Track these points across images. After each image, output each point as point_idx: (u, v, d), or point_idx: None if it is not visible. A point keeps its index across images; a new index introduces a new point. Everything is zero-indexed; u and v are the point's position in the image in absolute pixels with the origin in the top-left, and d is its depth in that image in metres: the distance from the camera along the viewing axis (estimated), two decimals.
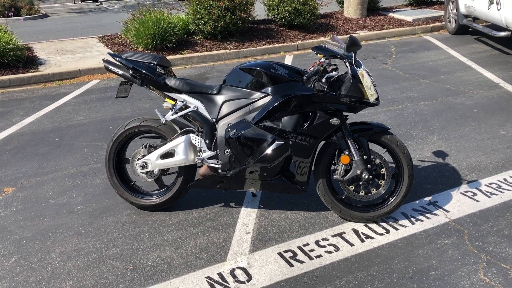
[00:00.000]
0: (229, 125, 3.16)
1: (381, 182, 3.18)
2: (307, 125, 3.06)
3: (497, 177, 3.78)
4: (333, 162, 3.23)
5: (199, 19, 8.75)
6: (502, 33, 7.60)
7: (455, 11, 9.50)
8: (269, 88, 3.10)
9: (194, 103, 3.26)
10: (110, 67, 3.39)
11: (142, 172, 3.40)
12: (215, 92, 3.25)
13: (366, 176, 3.12)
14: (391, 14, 11.28)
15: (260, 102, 3.12)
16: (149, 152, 3.37)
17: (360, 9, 10.95)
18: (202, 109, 3.25)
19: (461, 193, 3.58)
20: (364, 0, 10.94)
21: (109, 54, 3.55)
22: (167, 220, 3.39)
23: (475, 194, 3.54)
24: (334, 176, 3.20)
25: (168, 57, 7.81)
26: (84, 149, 4.68)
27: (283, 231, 3.20)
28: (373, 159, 3.15)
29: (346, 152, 3.13)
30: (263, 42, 9.04)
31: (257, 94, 3.13)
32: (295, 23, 9.56)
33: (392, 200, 3.20)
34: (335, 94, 3.02)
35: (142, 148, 3.40)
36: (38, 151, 4.67)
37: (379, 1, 11.85)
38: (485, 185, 3.67)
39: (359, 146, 3.14)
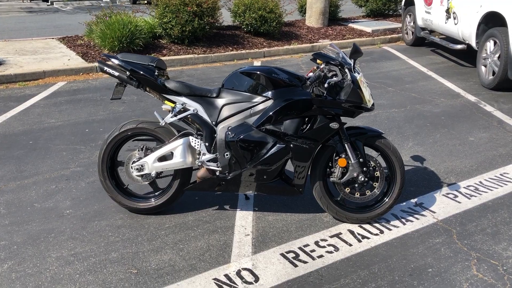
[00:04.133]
0: (229, 128, 3.19)
1: (375, 184, 3.31)
2: (308, 129, 3.14)
3: (473, 180, 4.02)
4: (329, 165, 3.33)
5: (166, 23, 8.68)
6: (459, 46, 8.05)
7: (412, 23, 9.97)
8: (270, 92, 3.16)
9: (193, 105, 3.26)
10: (105, 68, 3.33)
11: (138, 175, 3.35)
12: (214, 95, 3.27)
13: (362, 179, 3.24)
14: (350, 25, 11.66)
15: (261, 106, 3.17)
16: (145, 155, 3.33)
17: (321, 19, 11.25)
18: (202, 112, 3.26)
19: (443, 195, 3.78)
20: (325, 10, 11.25)
21: (104, 55, 3.48)
22: (163, 223, 3.36)
23: (456, 196, 3.75)
24: (331, 179, 3.29)
25: None
26: (62, 152, 4.53)
27: (281, 233, 3.26)
28: (368, 162, 3.28)
29: (343, 155, 3.24)
30: (230, 48, 9.09)
31: (258, 98, 3.18)
32: (261, 30, 9.69)
33: (386, 200, 3.34)
34: (335, 99, 3.12)
35: (138, 150, 3.35)
36: (13, 154, 4.48)
37: (339, 12, 12.22)
38: (464, 187, 3.90)
39: (354, 150, 3.26)
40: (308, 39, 10.29)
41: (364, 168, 3.25)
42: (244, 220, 3.40)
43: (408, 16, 10.17)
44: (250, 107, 3.19)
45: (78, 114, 5.64)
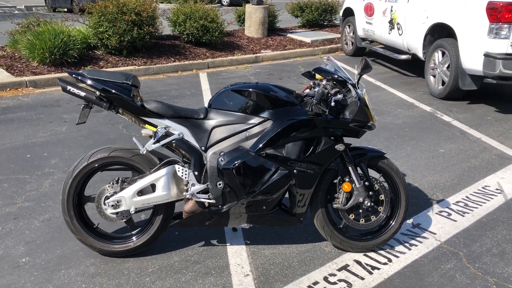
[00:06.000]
0: (222, 154, 2.79)
1: (380, 208, 3.06)
2: (311, 152, 2.81)
3: (460, 195, 3.91)
4: (330, 190, 3.03)
5: (102, 32, 8.01)
6: (403, 56, 8.15)
7: (352, 34, 10.05)
8: (268, 112, 2.80)
9: (179, 129, 2.81)
10: (69, 87, 2.78)
11: (113, 213, 2.84)
12: (202, 116, 2.86)
13: (368, 204, 2.97)
14: (289, 35, 11.57)
15: (258, 128, 2.80)
16: (121, 188, 2.83)
17: (261, 29, 11.06)
18: (189, 136, 2.82)
19: (436, 213, 3.61)
20: (265, 20, 11.07)
21: (68, 72, 2.92)
22: (145, 267, 2.87)
23: (450, 214, 3.61)
24: (334, 205, 2.99)
25: None
26: (3, 185, 3.85)
27: (284, 269, 2.89)
28: (373, 185, 3.02)
29: (347, 179, 2.96)
30: (172, 59, 8.58)
31: (255, 119, 2.80)
32: (203, 40, 9.27)
33: (392, 224, 3.09)
34: (338, 118, 2.83)
35: (113, 183, 2.84)
36: None
37: (277, 22, 12.10)
38: (454, 203, 3.77)
39: (357, 172, 2.99)
40: (250, 49, 10.03)
41: (370, 192, 2.99)
42: (238, 257, 2.99)
43: (347, 26, 10.24)
44: (246, 129, 2.81)
45: (14, 137, 4.91)
